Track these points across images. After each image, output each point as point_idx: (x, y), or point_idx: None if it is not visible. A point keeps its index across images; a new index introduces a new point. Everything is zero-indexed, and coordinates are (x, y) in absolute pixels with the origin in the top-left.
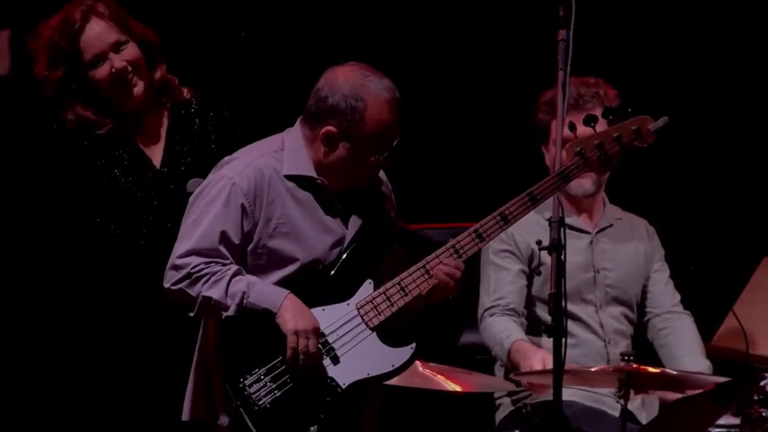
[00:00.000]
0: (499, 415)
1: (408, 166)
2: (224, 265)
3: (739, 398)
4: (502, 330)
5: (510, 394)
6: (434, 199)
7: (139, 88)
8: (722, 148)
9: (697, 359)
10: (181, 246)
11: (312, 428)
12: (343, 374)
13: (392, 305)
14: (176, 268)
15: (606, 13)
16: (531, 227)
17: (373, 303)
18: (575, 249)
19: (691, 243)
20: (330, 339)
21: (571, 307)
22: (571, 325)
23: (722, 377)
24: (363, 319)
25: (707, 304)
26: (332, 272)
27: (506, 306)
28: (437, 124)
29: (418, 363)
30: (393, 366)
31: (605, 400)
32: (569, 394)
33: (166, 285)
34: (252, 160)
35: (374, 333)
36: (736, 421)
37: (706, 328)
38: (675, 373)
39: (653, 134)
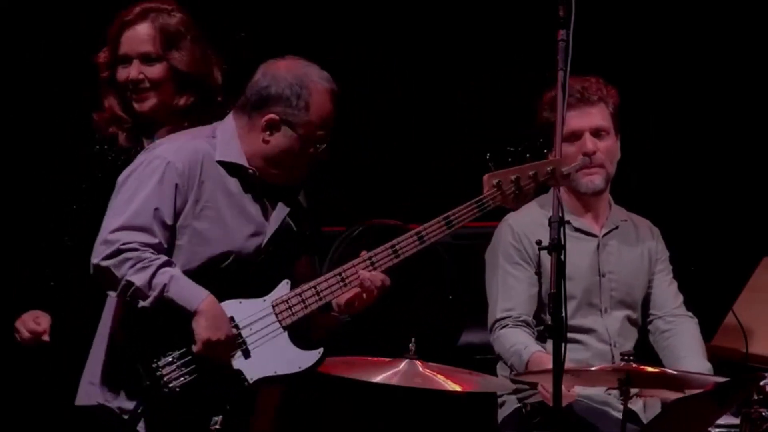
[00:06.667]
0: (503, 413)
1: (408, 166)
2: (155, 252)
3: (739, 398)
4: (517, 342)
5: (516, 391)
6: (434, 199)
7: (147, 104)
8: (722, 148)
9: (698, 361)
10: (113, 221)
11: (215, 418)
12: (251, 369)
13: (306, 308)
14: (106, 242)
15: (606, 13)
16: (537, 230)
17: (288, 303)
18: (582, 252)
19: (691, 243)
20: (243, 333)
21: (578, 311)
22: (578, 329)
23: (722, 377)
24: (277, 318)
25: (707, 304)
26: (253, 266)
27: (518, 318)
28: (438, 124)
29: (418, 363)
30: (300, 368)
31: (609, 400)
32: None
33: (95, 261)
34: (187, 142)
35: (286, 332)
36: (736, 421)
37: (706, 328)
38: (674, 372)
39: (566, 177)
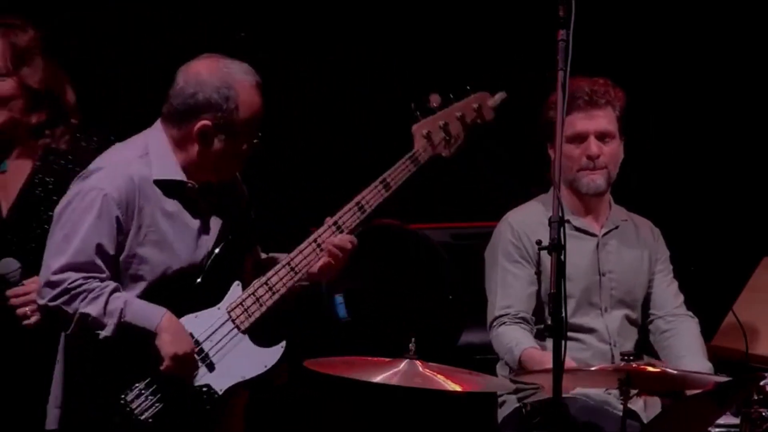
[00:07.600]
0: (502, 413)
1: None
2: (102, 281)
3: (739, 398)
4: (512, 339)
5: (516, 391)
6: (434, 199)
7: None
8: (722, 149)
9: (698, 360)
10: (55, 261)
11: None
12: (218, 380)
13: (261, 306)
14: (52, 284)
15: (606, 13)
16: (537, 228)
17: (243, 305)
18: (582, 252)
19: (691, 243)
20: (205, 346)
21: (578, 310)
22: (578, 329)
23: (722, 377)
24: (234, 323)
25: (707, 304)
26: (201, 277)
27: (516, 315)
28: None
29: (418, 363)
30: (266, 366)
31: (609, 399)
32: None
33: (42, 302)
34: (120, 168)
35: (246, 335)
36: (736, 421)
37: (706, 328)
38: (675, 372)
39: (493, 110)
